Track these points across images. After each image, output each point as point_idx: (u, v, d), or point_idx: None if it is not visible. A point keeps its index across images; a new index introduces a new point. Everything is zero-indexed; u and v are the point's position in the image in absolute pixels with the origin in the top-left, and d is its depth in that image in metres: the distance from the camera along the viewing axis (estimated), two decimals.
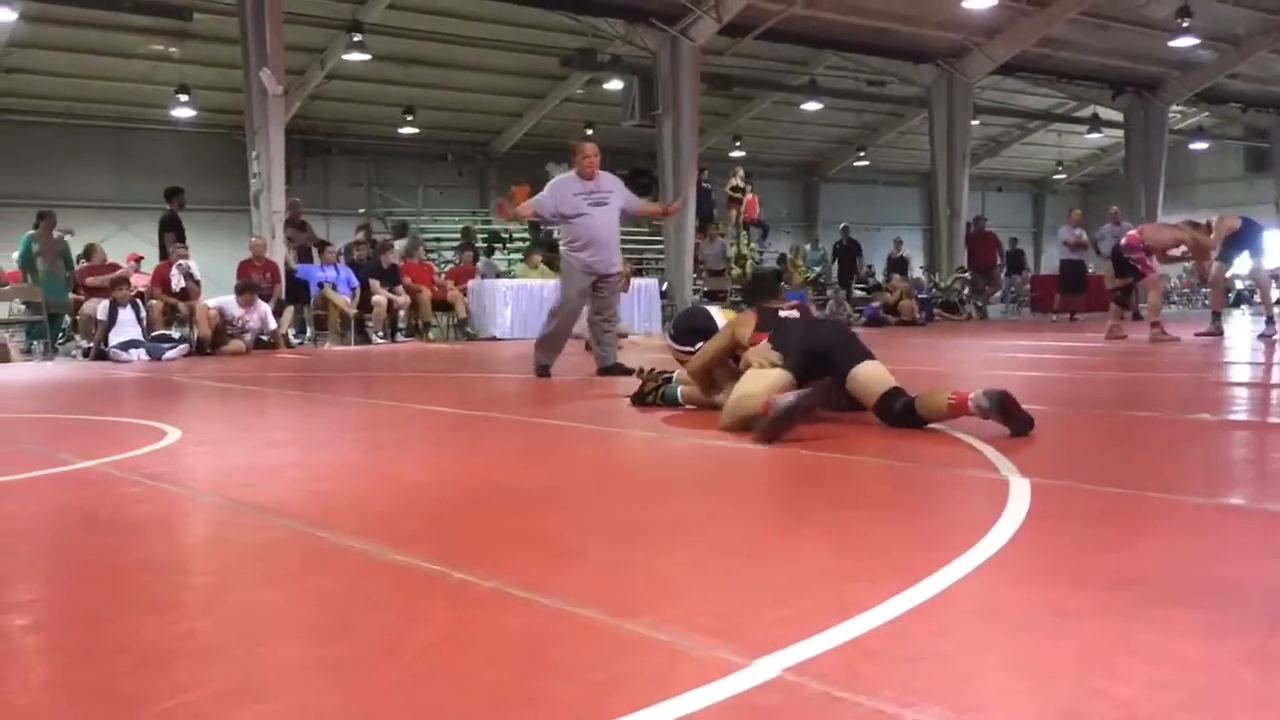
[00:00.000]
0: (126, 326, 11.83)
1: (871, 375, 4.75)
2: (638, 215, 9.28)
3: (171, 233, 14.32)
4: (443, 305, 15.89)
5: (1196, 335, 10.98)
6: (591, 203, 7.84)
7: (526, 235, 19.81)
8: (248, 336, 12.54)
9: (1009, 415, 4.25)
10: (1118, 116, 25.40)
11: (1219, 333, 11.08)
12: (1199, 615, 1.98)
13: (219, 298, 13.01)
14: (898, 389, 4.64)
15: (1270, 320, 10.64)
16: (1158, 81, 23.66)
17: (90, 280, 13.07)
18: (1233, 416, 5.39)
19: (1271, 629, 1.90)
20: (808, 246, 21.84)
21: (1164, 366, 8.37)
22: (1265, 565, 2.37)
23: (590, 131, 23.01)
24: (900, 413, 4.54)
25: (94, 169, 21.01)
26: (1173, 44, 20.27)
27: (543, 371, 7.94)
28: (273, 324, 13.00)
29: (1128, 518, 2.88)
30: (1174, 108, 25.14)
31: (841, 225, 22.41)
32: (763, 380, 4.72)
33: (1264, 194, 27.26)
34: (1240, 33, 21.52)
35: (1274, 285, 11.26)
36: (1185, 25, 19.13)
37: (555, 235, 11.56)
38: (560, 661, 1.83)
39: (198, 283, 13.65)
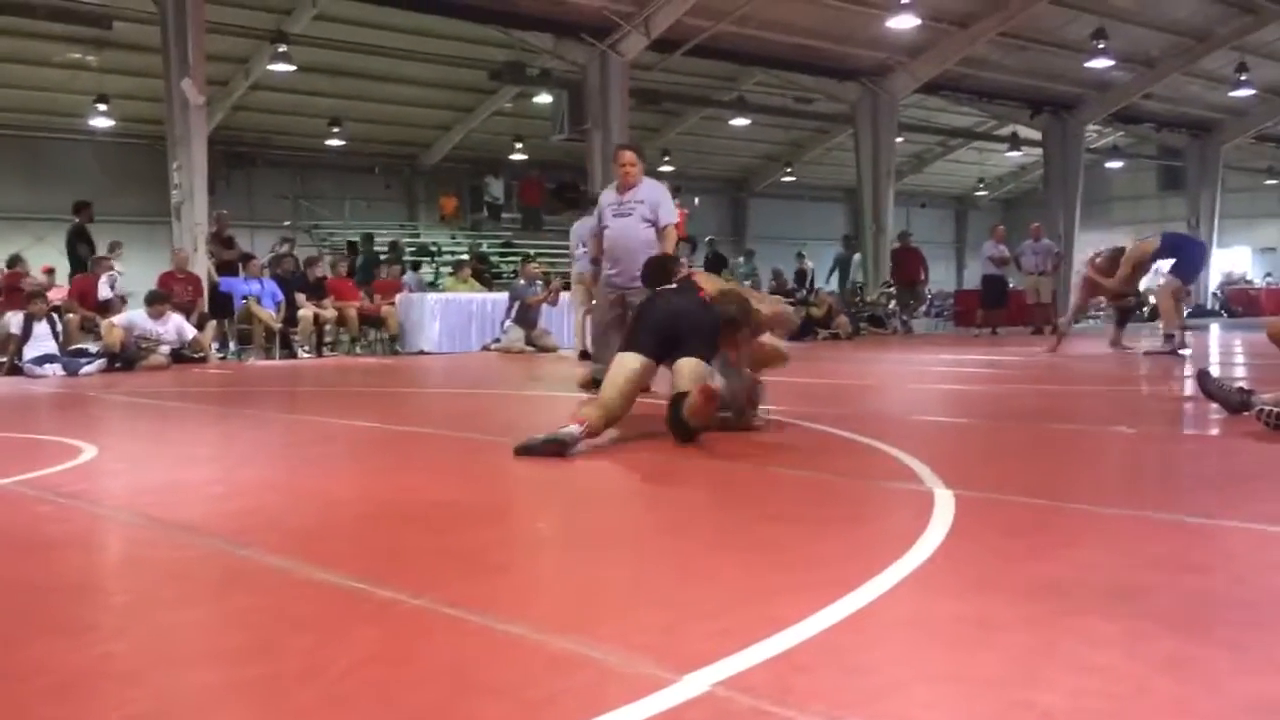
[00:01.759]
0: (42, 340, 11.49)
1: (681, 371, 4.64)
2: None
3: (85, 244, 14.02)
4: (372, 320, 15.66)
5: (1146, 354, 10.59)
6: (615, 213, 7.15)
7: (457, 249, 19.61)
8: (164, 349, 12.19)
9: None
10: (1036, 135, 25.95)
11: (1171, 351, 10.36)
12: (1119, 624, 2.02)
13: (128, 313, 12.65)
14: (686, 395, 4.49)
15: (1168, 337, 10.45)
16: (1075, 101, 24.24)
17: (25, 284, 12.78)
18: (1150, 428, 5.53)
19: (1186, 637, 1.95)
20: (740, 259, 21.97)
21: (1084, 379, 8.55)
22: (1179, 575, 2.43)
23: (519, 145, 22.96)
24: (673, 420, 4.49)
25: (7, 179, 20.46)
26: (1089, 65, 20.76)
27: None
28: (190, 334, 12.61)
29: (1049, 529, 2.93)
30: (1090, 127, 25.76)
31: (707, 239, 21.58)
32: (620, 371, 4.69)
33: (1176, 211, 28.05)
34: (1154, 54, 22.11)
35: (1175, 305, 10.90)
36: (1101, 47, 19.62)
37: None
38: (489, 681, 1.81)
39: (119, 298, 13.34)
